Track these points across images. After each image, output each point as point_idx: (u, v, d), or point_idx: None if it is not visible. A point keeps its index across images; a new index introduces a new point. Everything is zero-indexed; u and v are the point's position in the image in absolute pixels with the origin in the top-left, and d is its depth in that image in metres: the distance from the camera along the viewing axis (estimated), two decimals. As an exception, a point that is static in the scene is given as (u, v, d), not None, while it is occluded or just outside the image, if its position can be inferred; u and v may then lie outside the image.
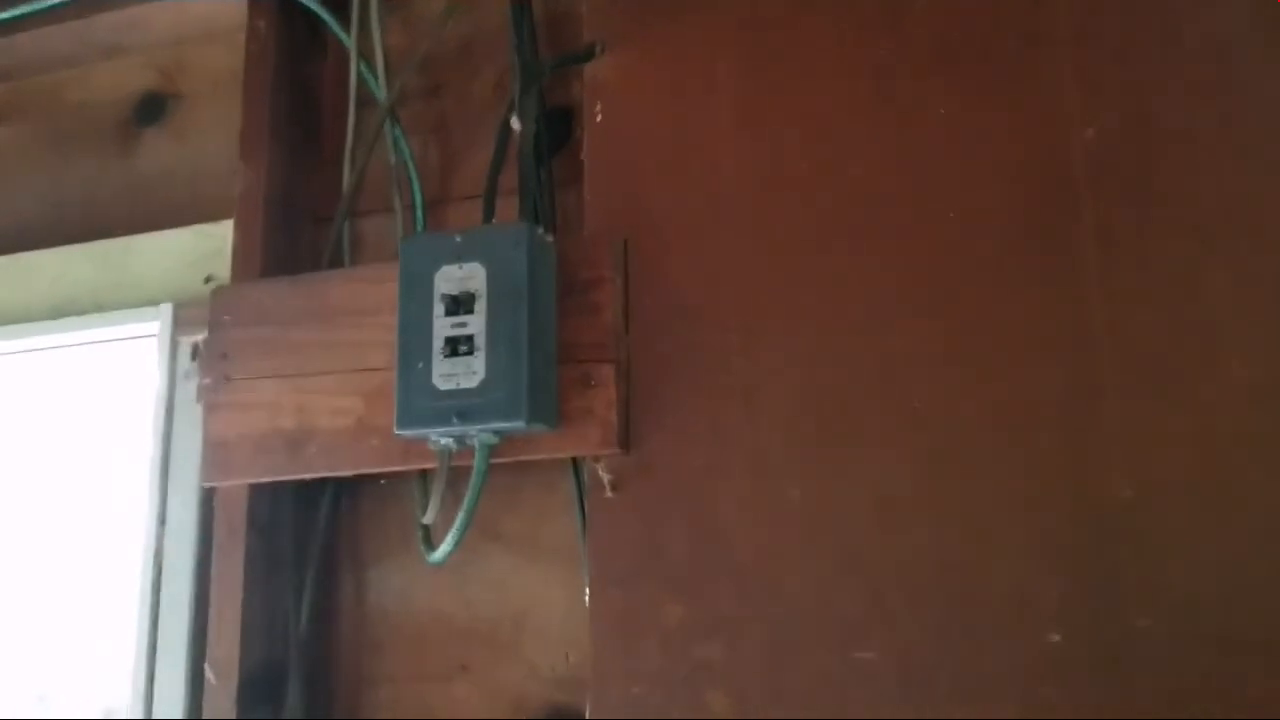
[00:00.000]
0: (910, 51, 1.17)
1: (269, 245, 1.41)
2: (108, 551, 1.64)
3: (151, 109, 1.66)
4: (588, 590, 1.17)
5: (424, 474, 1.29)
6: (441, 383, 1.15)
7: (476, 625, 1.31)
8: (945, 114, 1.14)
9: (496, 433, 1.16)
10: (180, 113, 1.65)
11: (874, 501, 1.09)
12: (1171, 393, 1.02)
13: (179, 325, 1.53)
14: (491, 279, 1.16)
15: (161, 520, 1.48)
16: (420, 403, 1.16)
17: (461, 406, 1.14)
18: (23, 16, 1.60)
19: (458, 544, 1.17)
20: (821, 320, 1.14)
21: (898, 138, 1.15)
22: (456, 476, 1.20)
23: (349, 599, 1.37)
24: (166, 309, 1.54)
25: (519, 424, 1.13)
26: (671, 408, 1.17)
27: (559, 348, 1.19)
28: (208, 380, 1.35)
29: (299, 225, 1.46)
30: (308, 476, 1.31)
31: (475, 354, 1.15)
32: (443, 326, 1.17)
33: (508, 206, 1.29)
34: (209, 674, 1.31)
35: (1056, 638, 1.01)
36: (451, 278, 1.18)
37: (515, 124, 1.28)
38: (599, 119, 1.27)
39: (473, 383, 1.15)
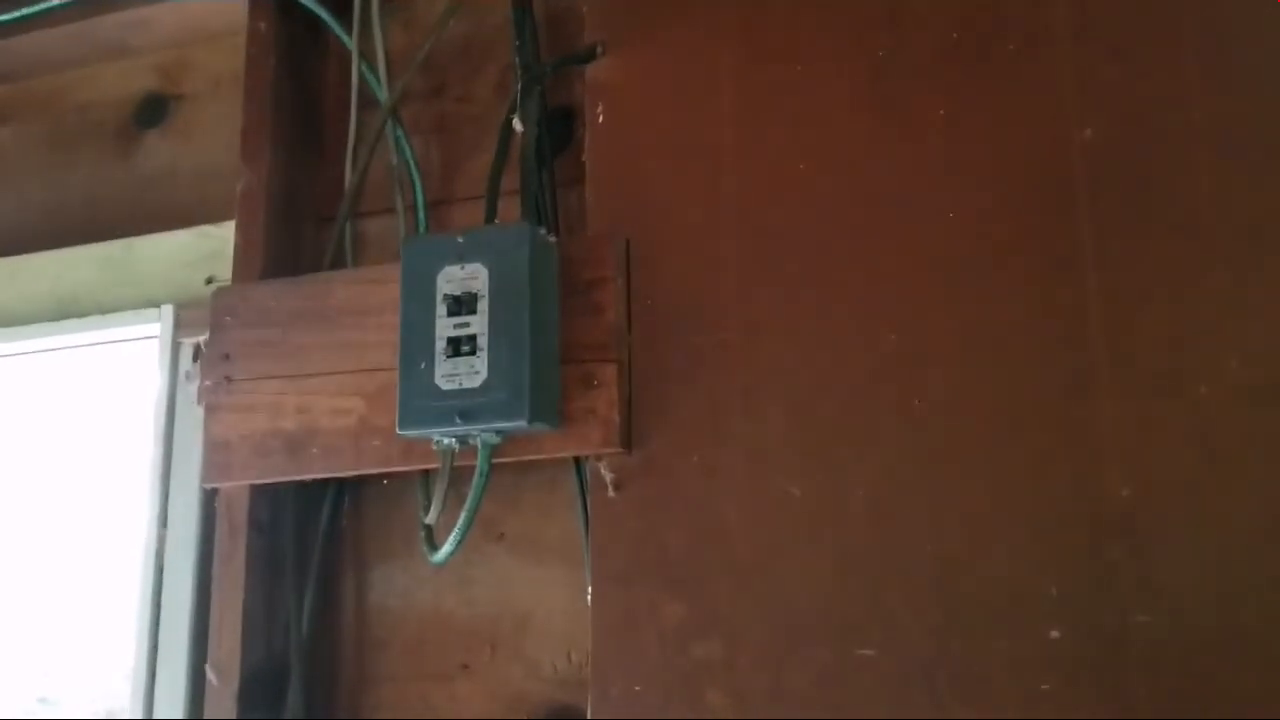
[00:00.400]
0: (909, 52, 1.17)
1: (270, 246, 1.41)
2: (109, 553, 1.64)
3: (153, 110, 1.66)
4: (589, 589, 1.17)
5: (426, 474, 1.29)
6: (444, 383, 1.16)
7: (478, 625, 1.31)
8: (945, 114, 1.15)
9: (499, 433, 1.17)
10: (182, 114, 1.65)
11: (874, 500, 1.09)
12: (1169, 391, 1.03)
13: (180, 326, 1.53)
14: (494, 279, 1.17)
15: (163, 521, 1.48)
16: (422, 403, 1.16)
17: (464, 406, 1.15)
18: (25, 18, 1.60)
19: (460, 544, 1.17)
20: (822, 319, 1.15)
21: (897, 138, 1.16)
22: (459, 476, 1.20)
23: (350, 599, 1.38)
24: (168, 310, 1.54)
25: (521, 424, 1.14)
26: (673, 407, 1.17)
27: (561, 348, 1.19)
28: (209, 381, 1.35)
29: (301, 226, 1.46)
30: (309, 477, 1.31)
31: (477, 354, 1.15)
32: (445, 327, 1.17)
33: (510, 207, 1.29)
34: (210, 674, 1.31)
35: (1056, 634, 1.02)
36: (454, 278, 1.18)
37: (517, 125, 1.28)
38: (600, 120, 1.27)
39: (475, 383, 1.15)
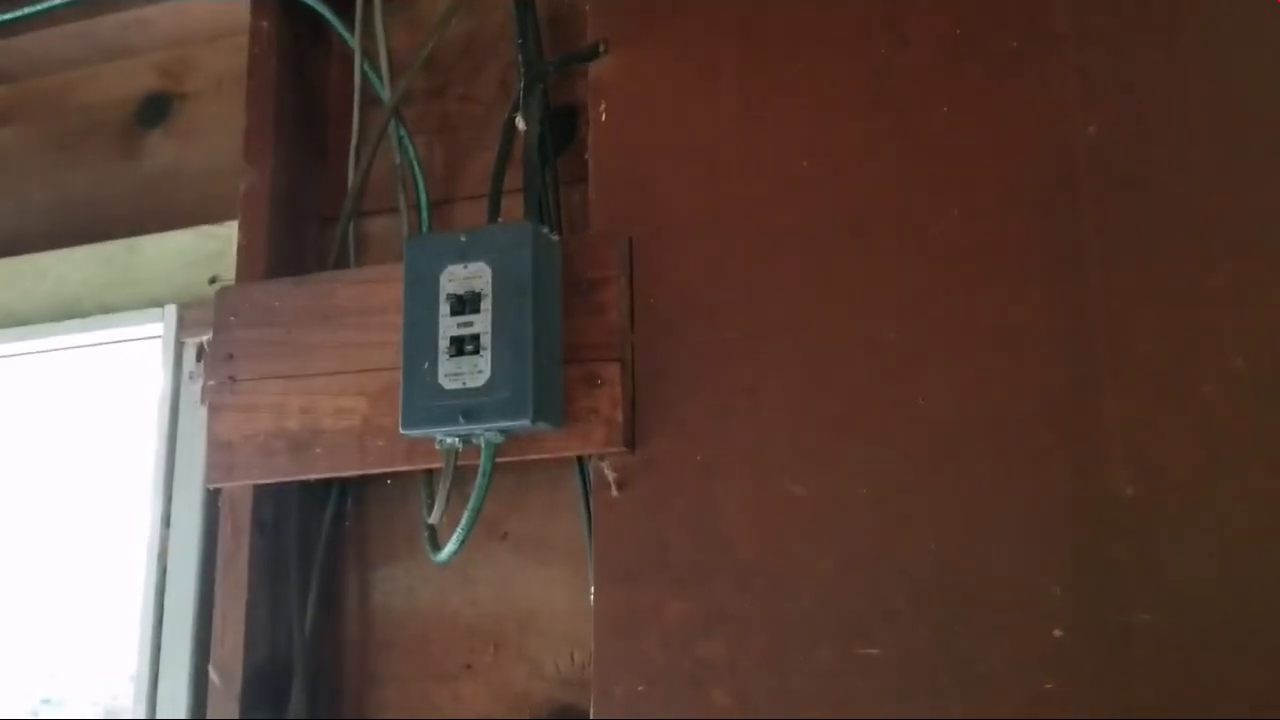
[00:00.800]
0: (912, 50, 1.17)
1: (274, 246, 1.41)
2: (112, 553, 1.64)
3: (156, 110, 1.66)
4: (592, 589, 1.17)
5: (429, 474, 1.29)
6: (447, 382, 1.16)
7: (481, 624, 1.31)
8: (947, 112, 1.15)
9: (502, 432, 1.17)
10: (184, 113, 1.65)
11: (877, 499, 1.09)
12: (1173, 389, 1.03)
13: (183, 326, 1.53)
14: (497, 278, 1.17)
15: (166, 521, 1.48)
16: (426, 402, 1.16)
17: (467, 406, 1.15)
18: (27, 18, 1.60)
19: (463, 543, 1.17)
20: (825, 318, 1.15)
21: (900, 136, 1.16)
22: (462, 476, 1.20)
23: (354, 599, 1.38)
24: (171, 310, 1.54)
25: (524, 423, 1.13)
26: (676, 406, 1.17)
27: (564, 347, 1.19)
28: (212, 381, 1.35)
29: (304, 225, 1.46)
30: (313, 477, 1.31)
31: (481, 353, 1.15)
32: (448, 326, 1.17)
33: (513, 206, 1.29)
34: (213, 675, 1.31)
35: (1059, 633, 1.02)
36: (457, 277, 1.18)
37: (520, 123, 1.28)
38: (603, 118, 1.27)
39: (478, 382, 1.15)
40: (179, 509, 1.48)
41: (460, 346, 1.16)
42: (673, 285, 1.20)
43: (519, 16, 1.35)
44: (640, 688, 1.13)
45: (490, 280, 1.17)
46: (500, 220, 1.28)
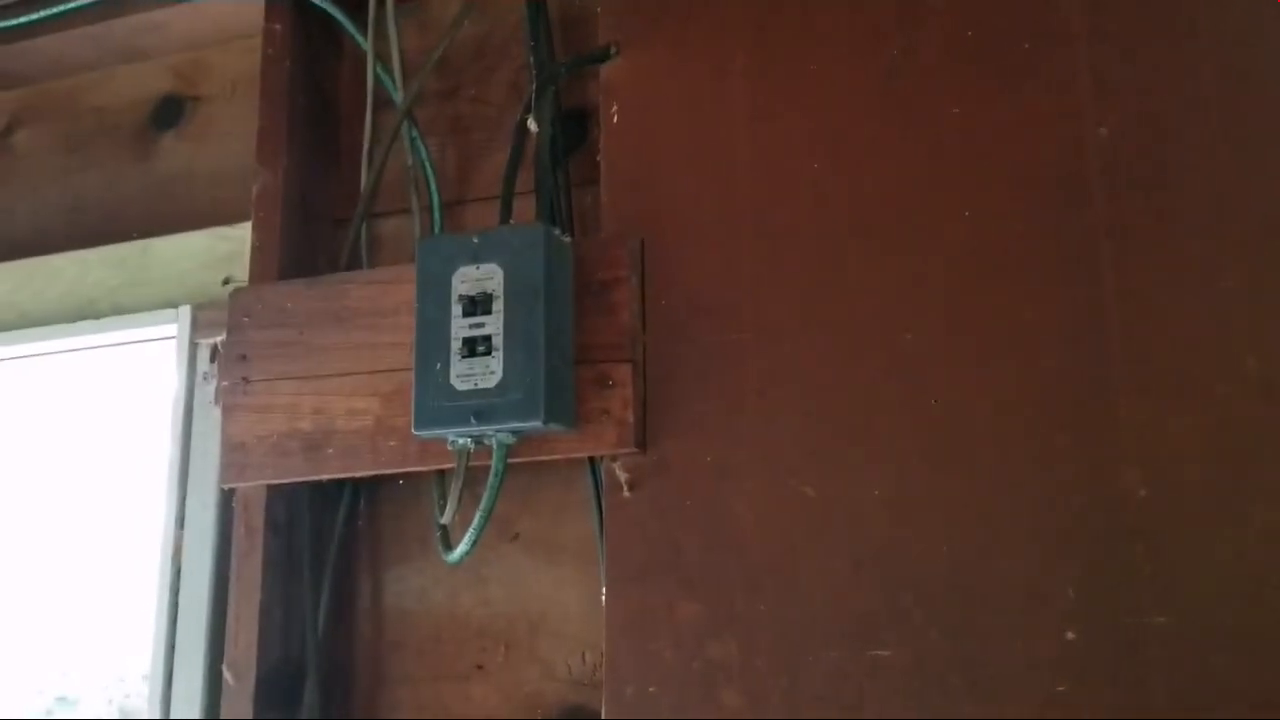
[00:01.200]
0: (923, 50, 1.17)
1: (287, 247, 1.41)
2: (127, 553, 1.65)
3: (169, 112, 1.67)
4: (604, 589, 1.17)
5: (442, 474, 1.29)
6: (459, 383, 1.16)
7: (493, 625, 1.32)
8: (959, 112, 1.15)
9: (514, 433, 1.17)
10: (198, 116, 1.66)
11: (889, 500, 1.09)
12: (1186, 389, 1.02)
13: (197, 327, 1.54)
14: (509, 280, 1.17)
15: (180, 522, 1.48)
16: (438, 403, 1.17)
17: (479, 407, 1.15)
18: (41, 21, 1.61)
19: (475, 544, 1.18)
20: (836, 319, 1.14)
21: (911, 136, 1.16)
22: (474, 477, 1.21)
23: (366, 599, 1.38)
24: (185, 311, 1.55)
25: (536, 424, 1.14)
26: (688, 407, 1.17)
27: (576, 348, 1.19)
28: (226, 382, 1.35)
29: (317, 227, 1.47)
30: (326, 478, 1.31)
31: (493, 354, 1.16)
32: (460, 327, 1.17)
33: (525, 207, 1.30)
34: (227, 674, 1.31)
35: (1072, 635, 1.01)
36: (469, 278, 1.18)
37: (532, 125, 1.28)
38: (615, 120, 1.27)
39: (490, 383, 1.15)
40: (193, 509, 1.48)
41: (472, 347, 1.16)
42: (684, 286, 1.20)
43: (531, 18, 1.35)
44: (651, 688, 1.13)
45: (502, 281, 1.17)
46: (512, 222, 1.29)
